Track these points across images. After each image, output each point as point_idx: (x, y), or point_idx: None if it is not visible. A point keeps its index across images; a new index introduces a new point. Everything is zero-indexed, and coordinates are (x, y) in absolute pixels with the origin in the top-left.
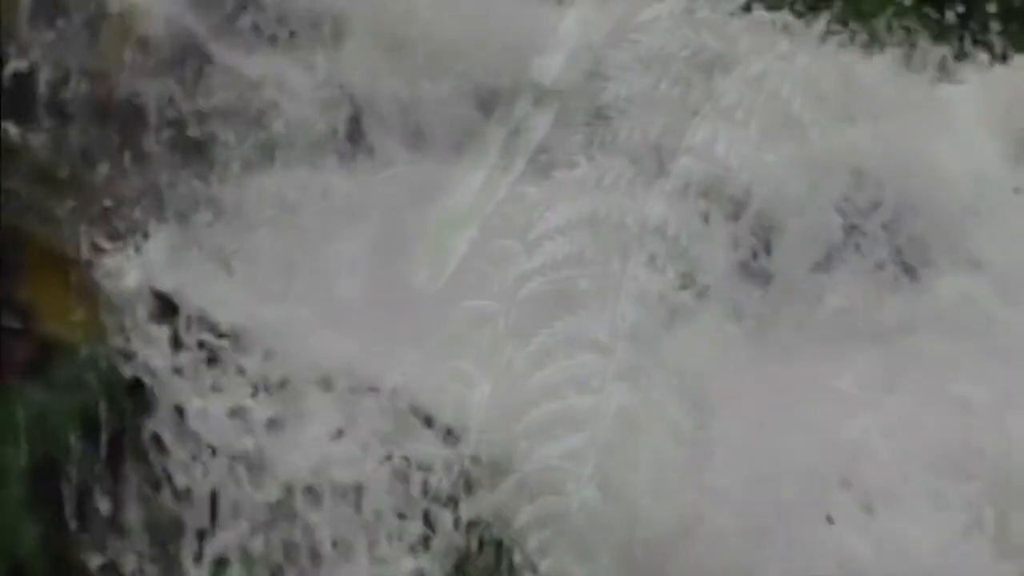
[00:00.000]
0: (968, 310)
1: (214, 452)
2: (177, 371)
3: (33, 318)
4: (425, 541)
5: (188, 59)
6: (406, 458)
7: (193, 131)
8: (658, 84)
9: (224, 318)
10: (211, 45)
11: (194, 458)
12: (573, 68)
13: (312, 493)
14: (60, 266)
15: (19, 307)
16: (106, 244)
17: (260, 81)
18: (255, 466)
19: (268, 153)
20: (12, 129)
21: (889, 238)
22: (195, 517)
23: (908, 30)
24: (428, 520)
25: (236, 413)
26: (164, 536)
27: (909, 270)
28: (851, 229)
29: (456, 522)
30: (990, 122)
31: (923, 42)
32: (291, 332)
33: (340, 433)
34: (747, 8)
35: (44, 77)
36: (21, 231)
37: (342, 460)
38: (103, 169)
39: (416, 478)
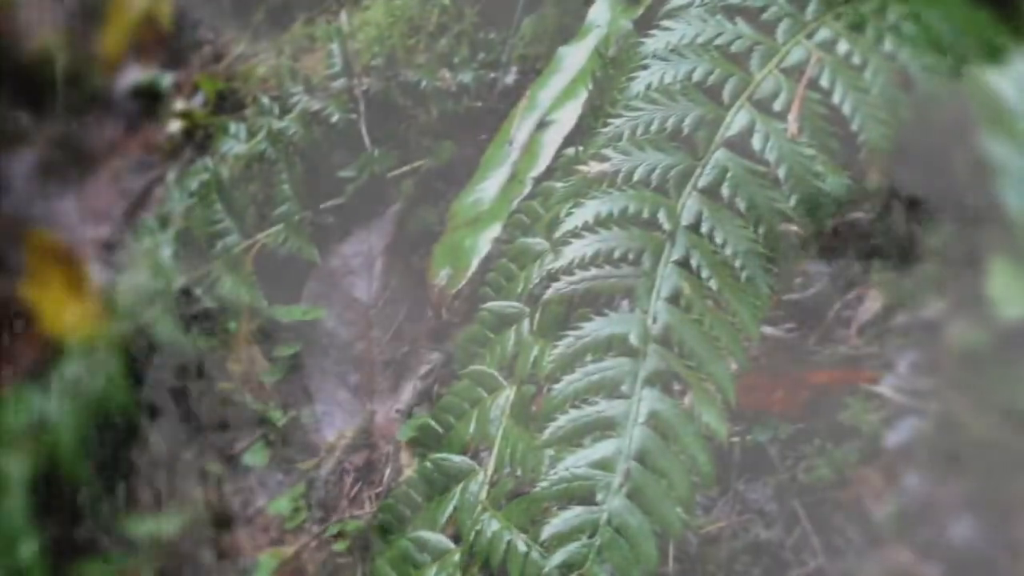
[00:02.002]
0: None
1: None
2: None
3: (34, 319)
4: (446, 553)
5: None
6: (430, 465)
7: None
8: (691, 74)
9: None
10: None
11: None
12: (601, 57)
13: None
14: (62, 265)
15: (19, 307)
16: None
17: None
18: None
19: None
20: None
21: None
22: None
23: None
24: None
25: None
26: (172, 548)
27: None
28: (890, 227)
29: (478, 534)
30: None
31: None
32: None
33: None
34: None
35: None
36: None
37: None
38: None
39: (438, 486)
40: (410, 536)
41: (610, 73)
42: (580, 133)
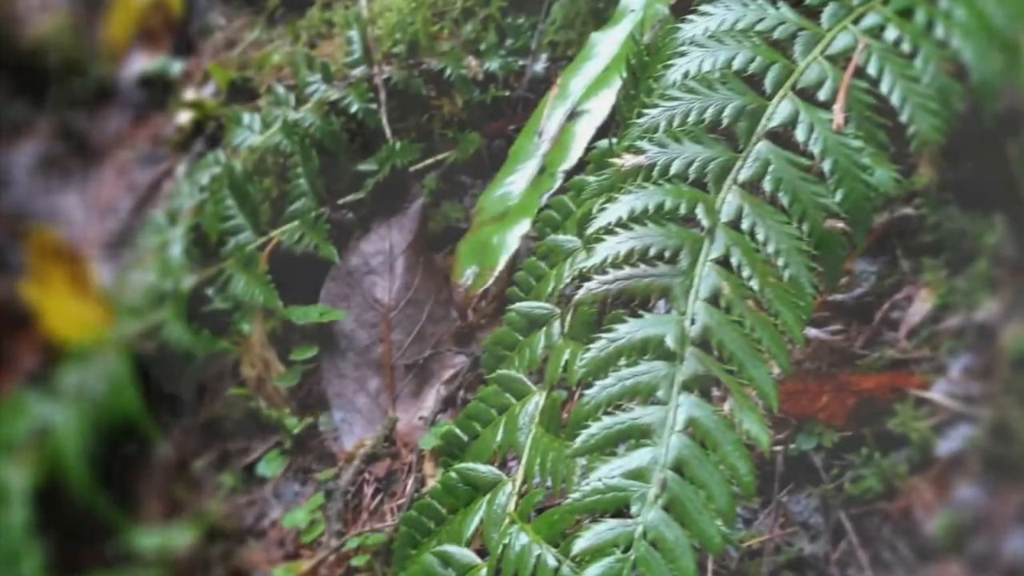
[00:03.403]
0: None
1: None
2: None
3: (35, 320)
4: (472, 569)
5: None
6: (455, 475)
7: None
8: (731, 61)
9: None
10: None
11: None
12: (635, 43)
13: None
14: (65, 263)
15: (20, 308)
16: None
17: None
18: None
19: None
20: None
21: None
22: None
23: None
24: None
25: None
26: (182, 563)
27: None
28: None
29: (506, 548)
30: None
31: None
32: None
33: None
34: None
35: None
36: (22, 225)
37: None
38: None
39: (464, 497)
40: (434, 550)
41: (645, 60)
42: (614, 124)
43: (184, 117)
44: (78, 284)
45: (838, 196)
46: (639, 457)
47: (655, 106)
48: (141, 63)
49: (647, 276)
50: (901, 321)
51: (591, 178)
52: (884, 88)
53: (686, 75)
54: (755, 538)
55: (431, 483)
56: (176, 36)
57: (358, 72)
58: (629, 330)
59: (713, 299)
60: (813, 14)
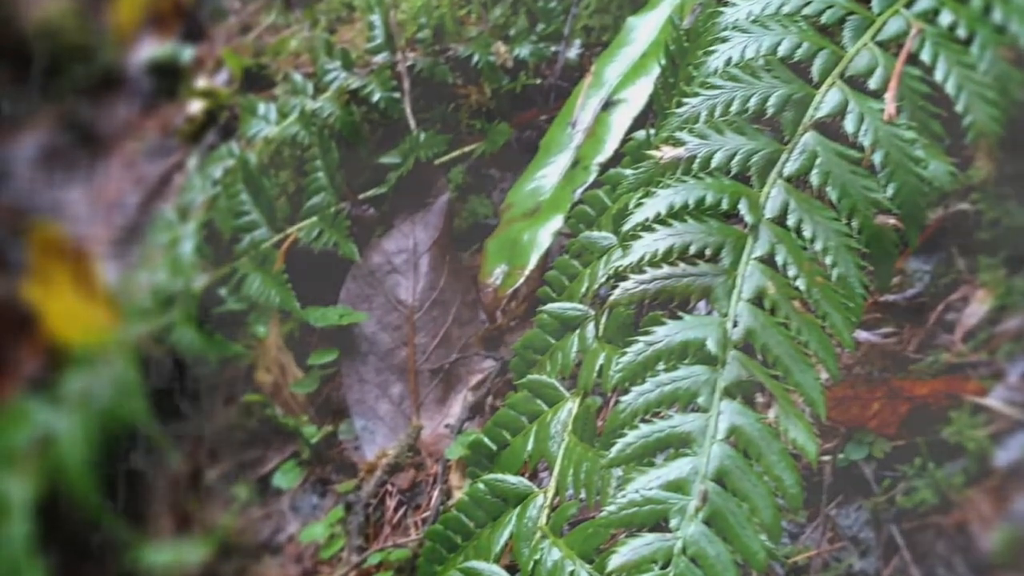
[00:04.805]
0: None
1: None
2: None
3: (38, 322)
4: None
5: None
6: (483, 487)
7: None
8: (776, 47)
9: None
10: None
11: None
12: (675, 28)
13: None
14: (69, 261)
15: (21, 310)
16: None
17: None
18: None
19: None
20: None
21: None
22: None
23: None
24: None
25: None
26: None
27: None
28: (999, 219)
29: (537, 564)
30: None
31: None
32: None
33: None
34: None
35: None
36: (24, 220)
37: None
38: None
39: (492, 510)
40: (461, 566)
41: (685, 47)
42: (651, 114)
43: (195, 106)
44: (83, 284)
45: (890, 190)
46: (678, 467)
47: (695, 95)
48: (150, 49)
49: (687, 276)
50: (957, 323)
51: (627, 171)
52: (938, 76)
53: (728, 62)
54: (801, 554)
55: (457, 495)
56: (187, 20)
57: (380, 59)
58: (668, 333)
59: (757, 300)
60: None
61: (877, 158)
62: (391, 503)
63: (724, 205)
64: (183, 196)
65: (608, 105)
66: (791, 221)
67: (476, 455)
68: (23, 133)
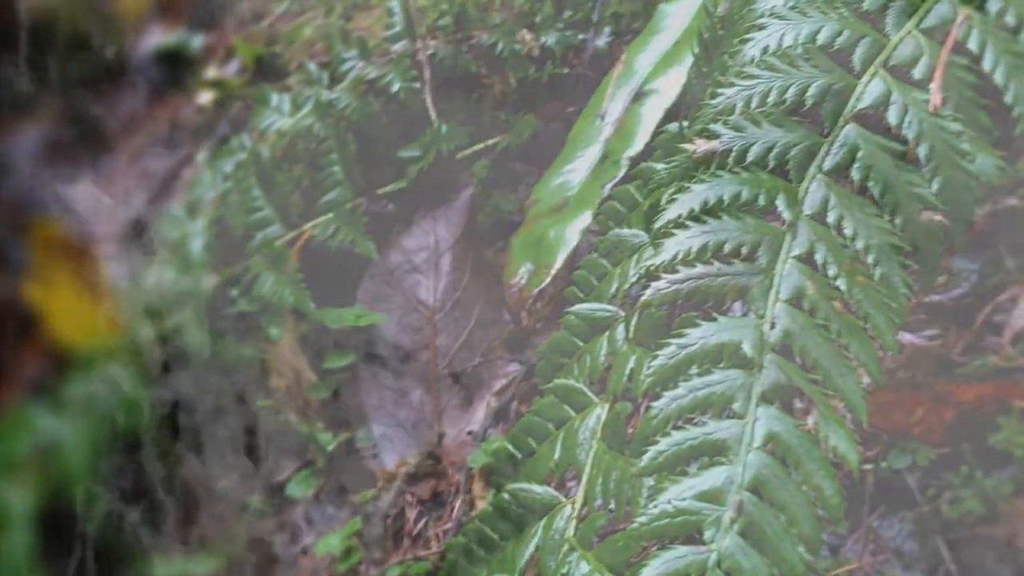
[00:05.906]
0: None
1: None
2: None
3: (39, 324)
4: None
5: None
6: (507, 497)
7: None
8: (816, 35)
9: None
10: None
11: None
12: (709, 15)
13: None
14: (73, 260)
15: (22, 311)
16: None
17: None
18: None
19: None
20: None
21: None
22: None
23: None
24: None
25: None
26: None
27: None
28: None
29: None
30: None
31: None
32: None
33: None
34: None
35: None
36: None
37: None
38: None
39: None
40: None
41: (720, 34)
42: (684, 105)
43: (205, 98)
44: (87, 284)
45: (935, 185)
46: (713, 477)
47: (731, 85)
48: (157, 37)
49: (722, 275)
50: (1005, 325)
51: (659, 165)
52: (986, 65)
53: (765, 50)
54: (843, 567)
55: (481, 505)
56: (196, 7)
57: (399, 47)
58: (702, 335)
59: (795, 300)
60: None
61: (922, 151)
62: (411, 514)
63: (761, 201)
64: (192, 192)
65: (639, 96)
66: (831, 218)
67: (500, 463)
68: (24, 126)
